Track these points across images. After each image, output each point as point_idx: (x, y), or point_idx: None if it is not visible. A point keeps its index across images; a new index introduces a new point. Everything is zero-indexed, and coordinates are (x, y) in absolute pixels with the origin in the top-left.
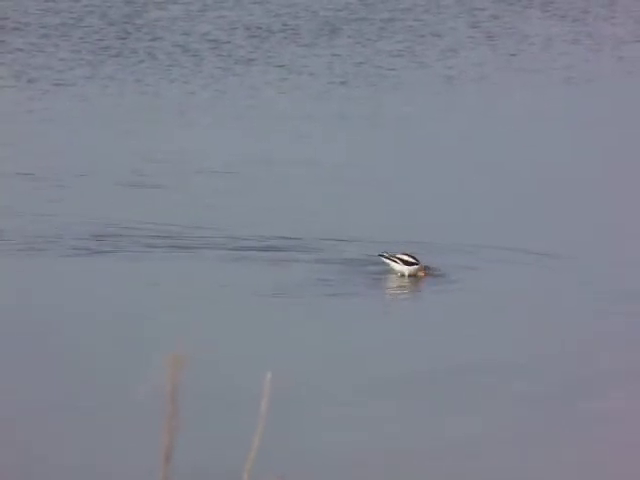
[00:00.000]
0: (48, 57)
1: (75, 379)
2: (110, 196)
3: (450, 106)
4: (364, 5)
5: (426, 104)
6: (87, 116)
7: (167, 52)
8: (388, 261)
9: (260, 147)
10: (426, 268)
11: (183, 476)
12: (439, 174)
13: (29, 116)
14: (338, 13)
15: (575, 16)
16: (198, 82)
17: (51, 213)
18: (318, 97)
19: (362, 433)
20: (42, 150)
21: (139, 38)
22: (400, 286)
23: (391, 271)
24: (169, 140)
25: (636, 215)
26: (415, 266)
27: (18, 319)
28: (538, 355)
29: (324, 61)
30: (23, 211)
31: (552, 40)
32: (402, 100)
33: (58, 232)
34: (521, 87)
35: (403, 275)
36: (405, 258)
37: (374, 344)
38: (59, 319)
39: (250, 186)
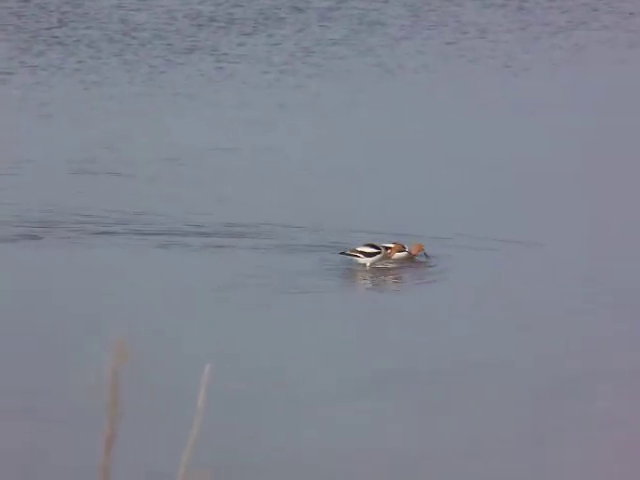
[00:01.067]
0: None
1: (13, 369)
2: (57, 183)
3: (391, 95)
4: None
5: (369, 93)
6: (29, 105)
7: (108, 41)
8: (350, 257)
9: (208, 135)
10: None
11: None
12: (389, 162)
13: None
14: (278, 1)
15: (516, 5)
16: (141, 71)
17: None
18: (268, 86)
19: (337, 434)
20: None
21: (75, 27)
22: (369, 278)
23: (358, 265)
24: (115, 129)
25: (593, 200)
26: (377, 255)
27: None
28: (521, 350)
29: (264, 50)
30: None
31: (490, 28)
32: (347, 88)
33: (3, 219)
34: (465, 76)
35: (367, 266)
36: (366, 249)
37: (347, 340)
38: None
39: (199, 174)
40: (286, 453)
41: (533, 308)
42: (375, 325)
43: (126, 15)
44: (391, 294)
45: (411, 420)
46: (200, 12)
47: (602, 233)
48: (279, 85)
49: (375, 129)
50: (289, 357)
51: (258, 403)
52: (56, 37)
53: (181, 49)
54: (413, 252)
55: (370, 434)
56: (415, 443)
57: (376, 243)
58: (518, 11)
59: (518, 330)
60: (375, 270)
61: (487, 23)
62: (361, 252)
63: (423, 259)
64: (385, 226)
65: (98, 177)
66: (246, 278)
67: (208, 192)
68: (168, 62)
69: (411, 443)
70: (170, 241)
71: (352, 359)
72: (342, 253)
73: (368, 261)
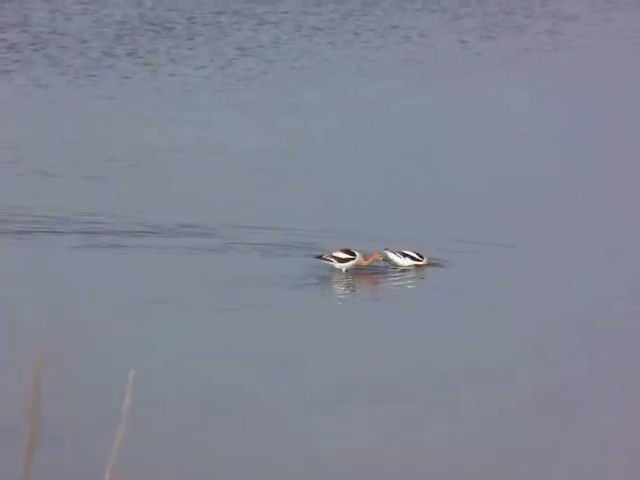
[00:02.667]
0: None
1: None
2: (15, 185)
3: (332, 94)
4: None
5: (316, 93)
6: None
7: (40, 44)
8: (326, 262)
9: (168, 136)
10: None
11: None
12: (348, 160)
13: None
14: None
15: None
16: (100, 72)
17: None
18: (225, 86)
19: (314, 444)
20: None
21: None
22: (344, 283)
23: (334, 270)
24: (66, 131)
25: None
26: (352, 261)
27: None
28: (506, 354)
29: (211, 52)
30: None
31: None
32: (303, 89)
33: None
34: (402, 78)
35: (342, 272)
36: (340, 255)
37: (315, 346)
38: None
39: (151, 175)
40: (260, 464)
41: (516, 312)
42: (349, 331)
43: (60, 20)
44: (366, 300)
45: (392, 428)
46: (144, 16)
47: (587, 235)
48: (229, 87)
49: (333, 129)
50: (253, 366)
51: (219, 413)
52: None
53: (127, 53)
54: (368, 261)
55: (348, 442)
56: (398, 450)
57: (350, 248)
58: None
59: (501, 334)
60: (350, 276)
61: (424, 28)
62: (336, 257)
63: (381, 264)
64: (345, 228)
65: (75, 178)
66: (206, 282)
67: (160, 192)
68: (112, 65)
69: (394, 450)
70: (115, 242)
71: (326, 367)
72: (318, 257)
73: (343, 267)
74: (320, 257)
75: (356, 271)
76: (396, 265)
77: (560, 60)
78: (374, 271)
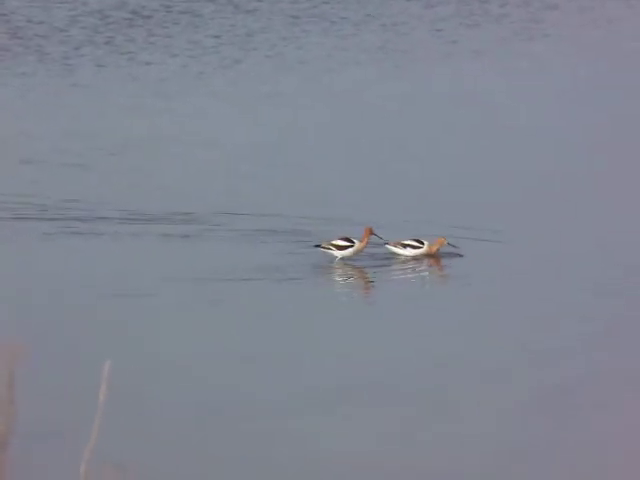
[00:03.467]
0: None
1: None
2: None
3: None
4: None
5: (292, 81)
6: None
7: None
8: (325, 250)
9: (147, 124)
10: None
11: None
12: (332, 150)
13: None
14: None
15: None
16: (74, 61)
17: None
18: (208, 76)
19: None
20: None
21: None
22: (343, 273)
23: (333, 258)
24: (53, 120)
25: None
26: (350, 249)
27: None
28: (504, 352)
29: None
30: None
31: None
32: (285, 79)
33: None
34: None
35: (342, 259)
36: (339, 243)
37: (316, 340)
38: None
39: (139, 163)
40: (255, 463)
41: (514, 307)
42: (344, 327)
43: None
44: (361, 295)
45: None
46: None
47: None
48: (205, 75)
49: (312, 117)
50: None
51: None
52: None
53: (105, 41)
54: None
55: (344, 442)
56: (398, 450)
57: (349, 236)
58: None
59: (500, 330)
60: (348, 264)
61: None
62: (335, 245)
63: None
64: (335, 214)
65: (59, 167)
66: (192, 273)
67: (140, 180)
68: (98, 54)
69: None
70: (94, 229)
71: (322, 365)
72: (317, 246)
73: (342, 254)
74: (318, 246)
75: (354, 262)
76: (398, 256)
77: (535, 49)
78: (373, 263)
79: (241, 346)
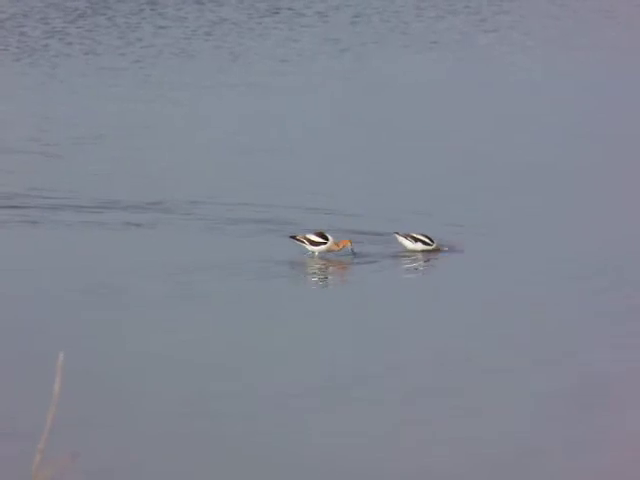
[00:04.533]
0: None
1: None
2: None
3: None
4: None
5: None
6: None
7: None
8: (299, 242)
9: (124, 115)
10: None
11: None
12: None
13: None
14: None
15: None
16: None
17: None
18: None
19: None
20: None
21: None
22: (315, 268)
23: (306, 252)
24: (36, 109)
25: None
26: (323, 245)
27: None
28: (506, 346)
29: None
30: None
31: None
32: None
33: None
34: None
35: (314, 255)
36: (314, 238)
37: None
38: None
39: (120, 152)
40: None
41: (519, 299)
42: (324, 320)
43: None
44: (332, 286)
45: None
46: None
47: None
48: (197, 66)
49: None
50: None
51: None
52: None
53: (78, 33)
54: (339, 246)
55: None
56: (395, 447)
57: (324, 232)
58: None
59: (500, 323)
60: (319, 258)
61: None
62: (309, 240)
63: (348, 254)
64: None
65: (39, 157)
66: (170, 266)
67: (121, 170)
68: (83, 42)
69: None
70: (67, 218)
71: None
72: (292, 237)
73: (315, 250)
74: (294, 237)
75: (326, 255)
76: (405, 248)
77: (480, 41)
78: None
79: (221, 339)
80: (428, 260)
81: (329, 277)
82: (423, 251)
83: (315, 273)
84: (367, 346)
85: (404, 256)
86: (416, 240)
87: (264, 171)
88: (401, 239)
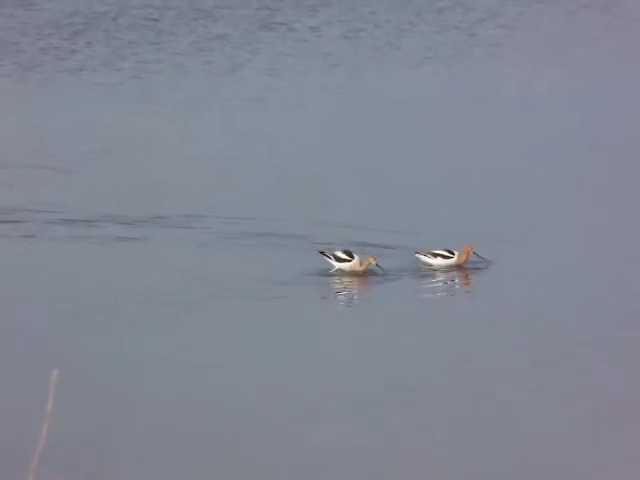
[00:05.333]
0: None
1: None
2: None
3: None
4: None
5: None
6: None
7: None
8: (325, 257)
9: (127, 130)
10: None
11: None
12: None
13: None
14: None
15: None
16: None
17: None
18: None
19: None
20: None
21: None
22: (339, 283)
23: (330, 267)
24: (34, 123)
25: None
26: (347, 263)
27: None
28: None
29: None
30: None
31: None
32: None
33: None
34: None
35: (338, 271)
36: (340, 255)
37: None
38: None
39: (121, 165)
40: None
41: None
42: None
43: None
44: (354, 303)
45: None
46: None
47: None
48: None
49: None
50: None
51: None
52: None
53: (87, 45)
54: (363, 267)
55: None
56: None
57: (351, 251)
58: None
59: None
60: (344, 275)
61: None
62: (335, 256)
63: (377, 271)
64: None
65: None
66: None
67: (126, 183)
68: (78, 58)
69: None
70: (65, 232)
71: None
72: (320, 252)
73: (339, 266)
74: (322, 253)
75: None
76: (428, 265)
77: (473, 55)
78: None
79: (228, 355)
80: (447, 275)
81: (334, 291)
82: (447, 265)
83: (335, 288)
84: (383, 362)
85: (425, 273)
86: (436, 255)
87: (259, 185)
88: (422, 257)
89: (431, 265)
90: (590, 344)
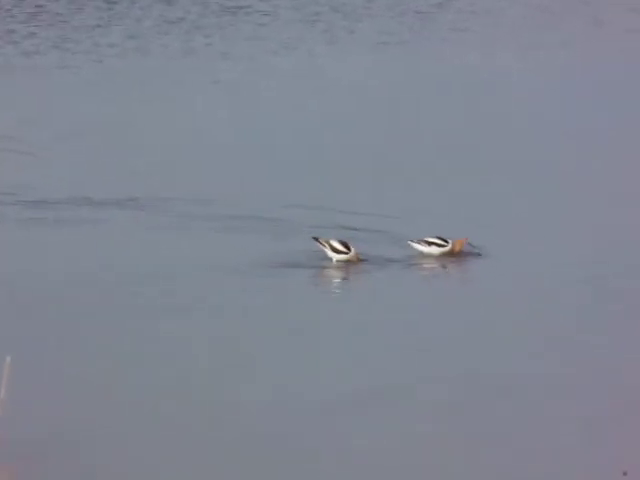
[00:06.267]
0: None
1: None
2: None
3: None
4: None
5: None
6: None
7: None
8: (320, 246)
9: (108, 111)
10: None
11: None
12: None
13: None
14: None
15: None
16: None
17: None
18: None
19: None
20: None
21: None
22: (332, 273)
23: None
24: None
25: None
26: (344, 255)
27: None
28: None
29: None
30: None
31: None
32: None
33: None
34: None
35: (333, 261)
36: (337, 246)
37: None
38: None
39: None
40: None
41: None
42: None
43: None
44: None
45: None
46: None
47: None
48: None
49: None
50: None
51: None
52: None
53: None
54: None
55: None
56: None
57: (347, 242)
58: None
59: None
60: (337, 265)
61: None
62: (331, 246)
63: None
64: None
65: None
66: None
67: (104, 167)
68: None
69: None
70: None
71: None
72: (314, 238)
73: (335, 257)
74: (316, 239)
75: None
76: (422, 254)
77: (430, 40)
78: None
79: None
80: (441, 264)
81: (325, 280)
82: (440, 254)
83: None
84: (378, 352)
85: (418, 261)
86: (430, 244)
87: (224, 167)
88: (416, 245)
89: (425, 253)
90: (589, 331)
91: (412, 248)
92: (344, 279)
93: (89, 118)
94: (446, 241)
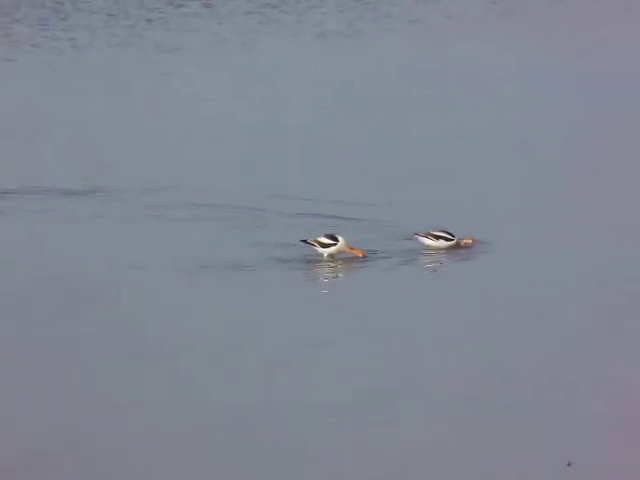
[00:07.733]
0: None
1: None
2: None
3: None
4: None
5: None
6: None
7: None
8: (310, 246)
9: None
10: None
11: None
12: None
13: None
14: None
15: None
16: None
17: None
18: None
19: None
20: None
21: None
22: (324, 267)
23: (317, 254)
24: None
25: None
26: (333, 247)
27: None
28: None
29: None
30: None
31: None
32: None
33: None
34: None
35: (325, 256)
36: (324, 240)
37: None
38: None
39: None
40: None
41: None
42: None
43: None
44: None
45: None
46: None
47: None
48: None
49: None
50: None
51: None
52: None
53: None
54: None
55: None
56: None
57: (335, 234)
58: None
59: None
60: (331, 259)
61: None
62: (319, 242)
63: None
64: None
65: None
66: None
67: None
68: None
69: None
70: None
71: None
72: (303, 241)
73: (326, 252)
74: (305, 241)
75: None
76: (428, 247)
77: (367, 31)
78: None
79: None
80: (448, 257)
81: (318, 274)
82: (447, 248)
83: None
84: (376, 349)
85: (425, 254)
86: (437, 238)
87: (183, 159)
88: (422, 239)
89: (432, 246)
90: (588, 330)
91: (418, 241)
92: (336, 273)
93: (60, 112)
94: (452, 235)
